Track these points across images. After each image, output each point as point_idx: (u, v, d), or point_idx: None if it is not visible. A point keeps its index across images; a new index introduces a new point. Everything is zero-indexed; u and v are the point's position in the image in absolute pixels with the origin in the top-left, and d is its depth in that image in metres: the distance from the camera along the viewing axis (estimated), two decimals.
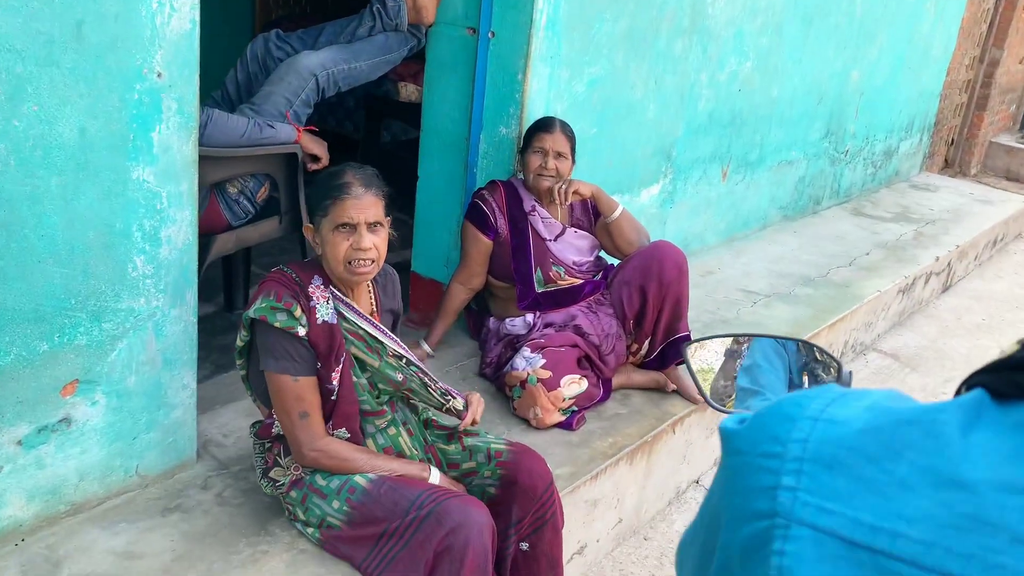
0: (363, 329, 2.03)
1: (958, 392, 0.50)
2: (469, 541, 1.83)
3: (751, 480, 0.48)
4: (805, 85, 4.91)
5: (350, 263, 1.94)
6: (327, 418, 1.99)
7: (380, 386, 2.07)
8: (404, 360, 2.08)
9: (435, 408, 2.16)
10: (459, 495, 1.96)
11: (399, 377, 2.07)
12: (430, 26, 3.15)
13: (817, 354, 1.08)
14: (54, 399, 1.88)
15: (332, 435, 2.00)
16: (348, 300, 2.01)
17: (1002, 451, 0.42)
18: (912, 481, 0.43)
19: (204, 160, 2.50)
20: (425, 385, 2.10)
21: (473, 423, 2.15)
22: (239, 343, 2.00)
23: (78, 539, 1.95)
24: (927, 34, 6.29)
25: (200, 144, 2.20)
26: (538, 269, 2.88)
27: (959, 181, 7.47)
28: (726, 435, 0.53)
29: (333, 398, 1.98)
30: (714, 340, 1.08)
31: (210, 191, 2.84)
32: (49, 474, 1.93)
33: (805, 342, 1.09)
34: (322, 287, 1.98)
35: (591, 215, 2.99)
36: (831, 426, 0.47)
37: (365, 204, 1.93)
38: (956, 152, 8.30)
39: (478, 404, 2.17)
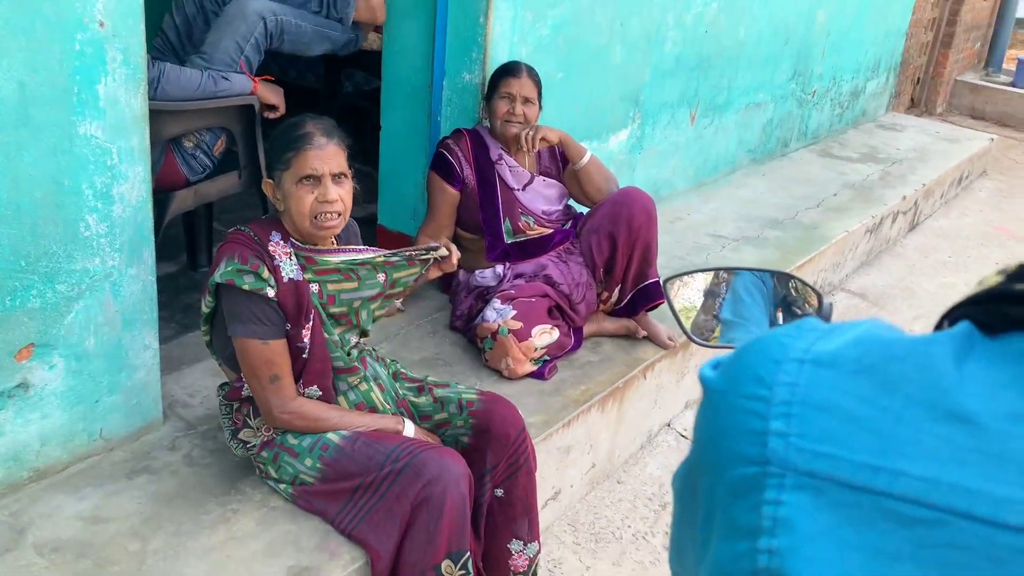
0: (332, 262, 1.97)
1: (939, 326, 0.48)
2: (447, 492, 1.82)
3: (736, 422, 0.46)
4: (772, 26, 4.86)
5: (316, 217, 1.88)
6: (298, 377, 1.96)
7: (359, 316, 2.04)
8: (381, 259, 2.02)
9: (419, 273, 2.09)
10: (435, 447, 1.96)
11: (380, 278, 2.02)
12: (380, 25, 3.10)
13: (797, 286, 1.07)
14: (9, 364, 1.83)
15: (303, 394, 1.97)
16: (309, 245, 1.96)
17: (1001, 381, 0.40)
18: (909, 417, 0.41)
19: (157, 114, 2.42)
20: (408, 257, 2.05)
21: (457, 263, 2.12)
22: (204, 309, 1.94)
23: (42, 505, 1.92)
24: None
25: (154, 99, 2.12)
26: (507, 219, 2.83)
27: (925, 120, 7.49)
28: (705, 382, 0.51)
29: (304, 356, 1.95)
30: (695, 276, 1.06)
31: (166, 146, 2.76)
32: (9, 440, 1.89)
33: (785, 273, 1.07)
34: (282, 243, 1.93)
35: (559, 162, 2.95)
36: (819, 367, 0.45)
37: (328, 154, 1.87)
38: (922, 91, 8.31)
39: (451, 245, 2.13)
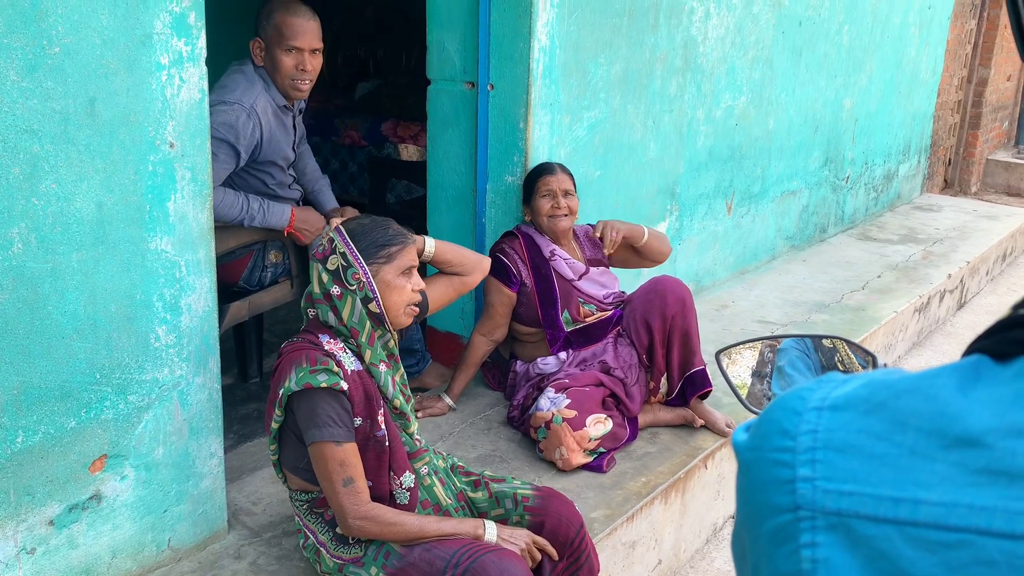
0: (389, 349, 2.07)
1: None
2: None
3: (767, 475, 0.48)
4: (800, 115, 4.96)
5: (408, 304, 2.01)
6: (393, 469, 1.98)
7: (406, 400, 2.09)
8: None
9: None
10: (495, 549, 1.91)
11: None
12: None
13: (848, 349, 1.07)
14: (83, 476, 1.87)
15: (400, 483, 1.99)
16: (360, 340, 2.00)
17: (1005, 399, 0.42)
18: (922, 448, 0.43)
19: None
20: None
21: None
22: (274, 425, 1.94)
23: None
24: (914, 58, 6.37)
25: None
26: (564, 311, 2.88)
27: (961, 199, 7.49)
28: (737, 446, 0.54)
29: (387, 444, 1.96)
30: (745, 346, 1.07)
31: (251, 250, 2.86)
32: (82, 553, 1.91)
33: (835, 337, 1.08)
34: (332, 341, 1.97)
35: (600, 246, 3.03)
36: (835, 412, 0.47)
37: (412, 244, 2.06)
38: (954, 171, 8.34)
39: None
